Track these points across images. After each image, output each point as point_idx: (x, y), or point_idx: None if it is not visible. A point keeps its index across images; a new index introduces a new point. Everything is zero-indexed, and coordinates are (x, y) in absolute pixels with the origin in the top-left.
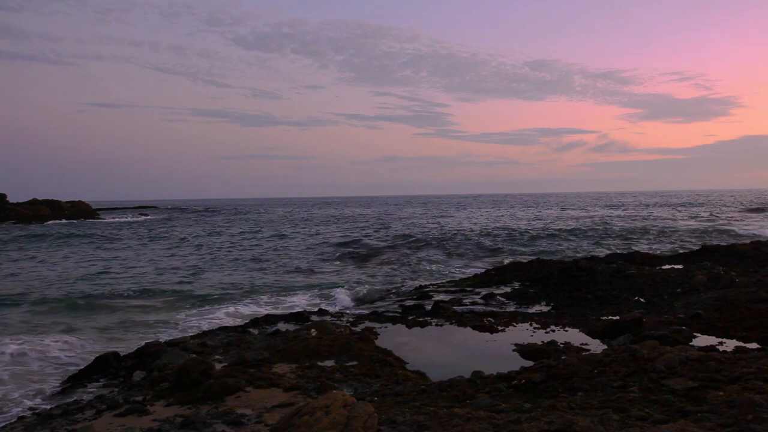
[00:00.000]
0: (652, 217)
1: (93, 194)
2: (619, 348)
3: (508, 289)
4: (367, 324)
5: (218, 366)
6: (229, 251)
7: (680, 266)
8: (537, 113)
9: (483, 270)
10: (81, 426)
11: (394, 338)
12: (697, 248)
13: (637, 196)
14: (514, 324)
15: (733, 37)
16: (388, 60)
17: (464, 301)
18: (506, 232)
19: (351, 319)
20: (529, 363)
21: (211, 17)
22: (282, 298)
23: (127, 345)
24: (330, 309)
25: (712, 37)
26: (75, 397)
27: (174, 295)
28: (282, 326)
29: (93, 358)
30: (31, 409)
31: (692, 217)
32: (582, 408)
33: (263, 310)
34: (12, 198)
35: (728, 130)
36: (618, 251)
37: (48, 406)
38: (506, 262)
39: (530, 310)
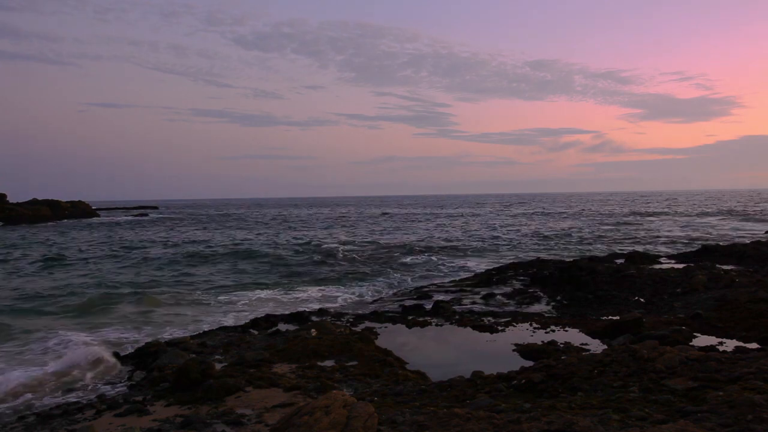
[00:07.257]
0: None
1: (93, 194)
2: (619, 348)
3: (508, 289)
4: (367, 324)
5: (218, 366)
6: None
7: (680, 266)
8: (537, 113)
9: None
10: (81, 426)
11: (394, 338)
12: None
13: (626, 197)
14: (514, 324)
15: (733, 37)
16: (389, 60)
17: (464, 301)
18: None
19: (351, 319)
20: (529, 363)
21: (211, 17)
22: None
23: None
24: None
25: (712, 37)
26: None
27: None
28: (282, 326)
29: None
30: (31, 408)
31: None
32: (582, 408)
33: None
34: (12, 198)
35: (728, 130)
36: None
37: (48, 407)
38: None
39: (530, 310)
